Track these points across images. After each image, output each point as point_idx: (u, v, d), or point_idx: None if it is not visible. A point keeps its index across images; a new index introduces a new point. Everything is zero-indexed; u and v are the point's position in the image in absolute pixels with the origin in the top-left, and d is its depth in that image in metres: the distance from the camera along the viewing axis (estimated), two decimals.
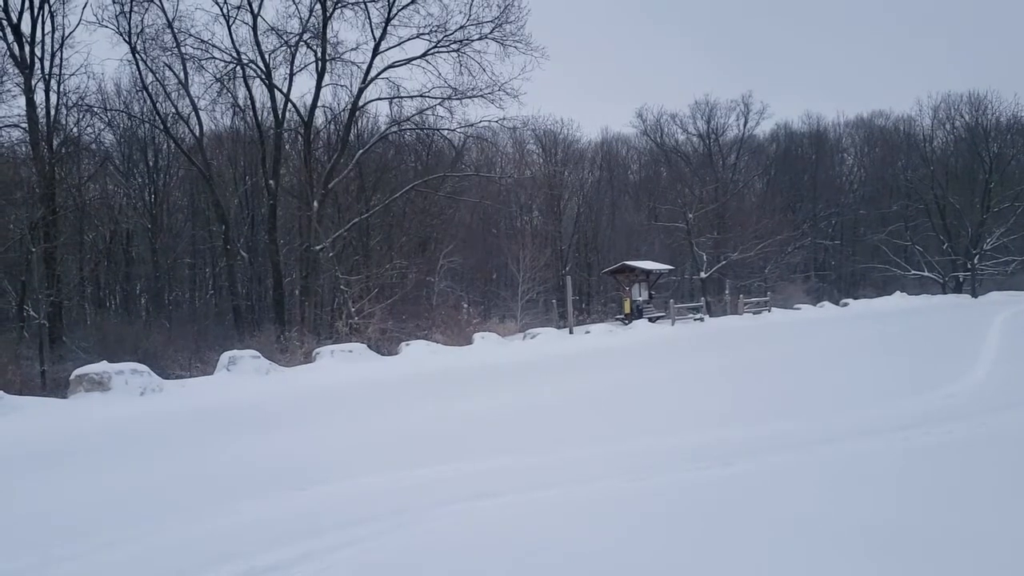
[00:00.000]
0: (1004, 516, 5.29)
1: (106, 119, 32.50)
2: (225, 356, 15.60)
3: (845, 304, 39.40)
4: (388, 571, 4.80)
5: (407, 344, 19.84)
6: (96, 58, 53.71)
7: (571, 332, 25.94)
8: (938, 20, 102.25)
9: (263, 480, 7.26)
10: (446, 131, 28.66)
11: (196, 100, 27.21)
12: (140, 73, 26.27)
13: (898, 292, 44.95)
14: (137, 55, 25.20)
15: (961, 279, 51.10)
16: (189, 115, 28.35)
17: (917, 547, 4.74)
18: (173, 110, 29.05)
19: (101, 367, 13.37)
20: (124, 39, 24.66)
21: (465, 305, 27.36)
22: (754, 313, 33.86)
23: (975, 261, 50.46)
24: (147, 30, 24.96)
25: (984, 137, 52.38)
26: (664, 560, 4.71)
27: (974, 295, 46.87)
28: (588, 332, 25.86)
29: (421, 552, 5.06)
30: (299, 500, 6.40)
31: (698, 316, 32.08)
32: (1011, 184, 50.24)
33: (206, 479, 7.54)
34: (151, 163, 36.89)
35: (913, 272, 52.23)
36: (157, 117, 29.04)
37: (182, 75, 25.96)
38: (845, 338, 22.13)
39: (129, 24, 24.43)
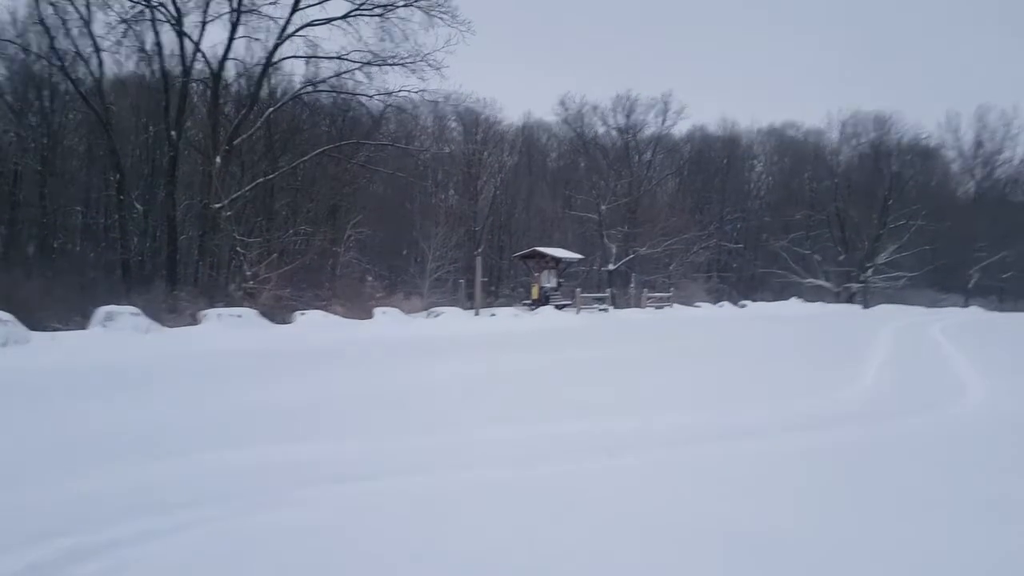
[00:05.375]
0: (870, 522, 5.26)
1: None
2: (101, 311, 14.63)
3: (743, 305, 40.52)
4: (234, 554, 4.39)
5: (302, 314, 19.18)
6: None
7: (477, 313, 25.71)
8: (853, 41, 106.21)
9: (113, 447, 6.65)
10: (364, 96, 27.82)
11: (98, 40, 25.59)
12: (38, 5, 24.51)
13: (794, 298, 46.58)
14: None
15: (854, 290, 53.31)
16: (90, 56, 26.56)
17: (783, 553, 4.64)
18: (73, 49, 27.13)
19: None
20: None
21: (370, 278, 26.67)
22: (656, 308, 34.43)
23: (868, 274, 52.75)
24: None
25: (886, 155, 54.78)
26: (523, 554, 4.48)
27: (865, 306, 48.94)
28: (494, 315, 25.72)
29: (272, 536, 4.66)
30: (148, 472, 5.88)
31: (603, 307, 32.36)
32: (907, 202, 52.67)
33: (50, 445, 6.88)
34: (47, 104, 34.62)
35: (810, 280, 54.16)
36: (54, 55, 27.08)
37: (85, 12, 24.35)
38: (741, 337, 22.60)
39: None
